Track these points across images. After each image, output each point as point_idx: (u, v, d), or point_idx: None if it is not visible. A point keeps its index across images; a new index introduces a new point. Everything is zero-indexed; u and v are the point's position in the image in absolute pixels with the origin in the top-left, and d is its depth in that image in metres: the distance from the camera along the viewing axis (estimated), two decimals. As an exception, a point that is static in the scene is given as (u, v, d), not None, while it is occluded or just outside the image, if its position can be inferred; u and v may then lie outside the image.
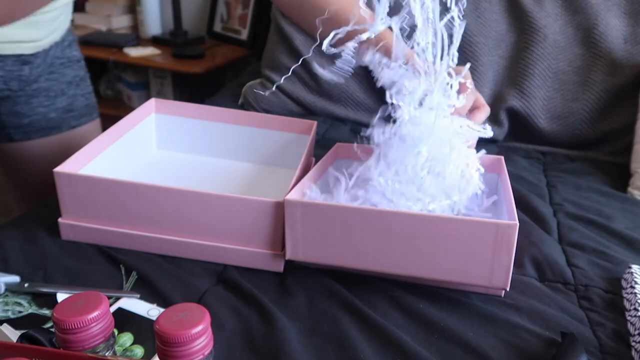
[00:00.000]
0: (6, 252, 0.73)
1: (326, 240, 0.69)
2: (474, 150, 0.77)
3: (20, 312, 0.63)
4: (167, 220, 0.73)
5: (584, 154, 1.23)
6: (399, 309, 0.68)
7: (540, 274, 0.77)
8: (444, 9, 0.70)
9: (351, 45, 0.70)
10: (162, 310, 0.65)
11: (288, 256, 0.71)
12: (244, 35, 2.04)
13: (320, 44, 0.71)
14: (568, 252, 0.82)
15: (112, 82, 2.22)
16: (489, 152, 0.84)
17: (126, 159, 0.89)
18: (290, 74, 0.85)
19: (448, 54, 0.72)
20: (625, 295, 0.71)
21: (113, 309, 0.64)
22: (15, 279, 0.67)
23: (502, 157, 0.86)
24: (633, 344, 0.63)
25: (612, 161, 1.20)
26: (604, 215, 0.93)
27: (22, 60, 0.90)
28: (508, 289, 0.68)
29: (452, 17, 0.70)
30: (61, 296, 0.66)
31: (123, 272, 0.71)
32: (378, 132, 0.75)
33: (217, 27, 2.12)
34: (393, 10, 0.72)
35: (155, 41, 2.08)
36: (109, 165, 0.85)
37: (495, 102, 1.25)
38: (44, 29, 0.91)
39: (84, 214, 0.75)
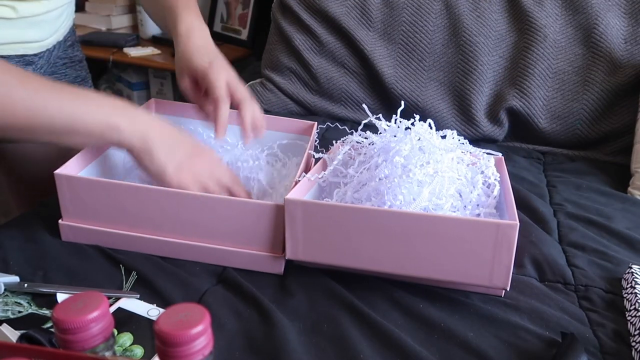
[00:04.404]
0: (6, 252, 0.73)
1: (326, 240, 0.69)
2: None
3: (20, 312, 0.63)
4: (168, 222, 0.73)
5: (584, 154, 1.23)
6: (399, 309, 0.68)
7: (541, 274, 0.77)
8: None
9: None
10: (162, 310, 0.65)
11: (288, 256, 0.71)
12: (244, 35, 2.04)
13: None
14: (568, 252, 0.82)
15: (112, 82, 2.23)
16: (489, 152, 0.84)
17: (126, 160, 0.89)
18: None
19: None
20: (625, 295, 0.71)
21: (113, 309, 0.64)
22: (14, 279, 0.67)
23: (502, 157, 0.86)
24: (633, 344, 0.63)
25: (612, 161, 1.20)
26: (604, 215, 0.93)
27: (25, 60, 0.90)
28: (508, 289, 0.68)
29: None
30: (61, 296, 0.65)
31: (123, 272, 0.71)
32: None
33: (217, 27, 2.12)
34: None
35: (155, 41, 2.08)
36: (109, 167, 0.85)
37: (495, 102, 1.25)
38: (48, 29, 0.91)
39: (84, 215, 0.75)
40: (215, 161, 0.78)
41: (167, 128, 0.75)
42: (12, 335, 0.58)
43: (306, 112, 1.34)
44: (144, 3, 0.99)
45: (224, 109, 0.81)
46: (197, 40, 0.85)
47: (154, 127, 0.73)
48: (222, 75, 0.82)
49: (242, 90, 0.85)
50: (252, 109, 0.84)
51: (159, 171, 0.73)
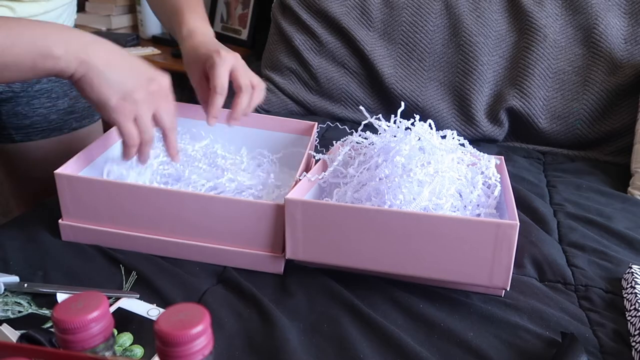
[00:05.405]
0: (6, 252, 0.73)
1: (326, 240, 0.69)
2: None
3: (20, 312, 0.63)
4: (168, 222, 0.73)
5: (584, 154, 1.23)
6: (399, 309, 0.68)
7: (541, 274, 0.77)
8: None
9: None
10: (162, 310, 0.65)
11: (288, 256, 0.71)
12: (244, 35, 2.04)
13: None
14: (568, 252, 0.82)
15: (112, 82, 2.22)
16: (489, 152, 0.84)
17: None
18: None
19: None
20: (625, 295, 0.71)
21: (113, 309, 0.64)
22: (14, 279, 0.67)
23: (502, 157, 0.86)
24: (633, 344, 0.63)
25: (612, 161, 1.20)
26: (604, 215, 0.93)
27: None
28: (508, 289, 0.68)
29: None
30: (61, 296, 0.65)
31: (123, 272, 0.71)
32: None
33: (217, 27, 2.12)
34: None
35: (155, 41, 2.08)
36: (109, 167, 0.85)
37: (495, 102, 1.25)
38: None
39: (84, 215, 0.75)
40: (165, 93, 0.73)
41: (114, 55, 0.69)
42: (12, 335, 0.58)
43: (306, 112, 1.34)
44: (151, 4, 1.00)
45: (218, 100, 0.79)
46: (200, 37, 0.85)
47: (97, 53, 0.66)
48: (228, 62, 0.80)
49: (245, 78, 0.82)
50: (246, 99, 0.81)
51: (100, 102, 0.68)
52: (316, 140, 0.95)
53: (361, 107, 0.89)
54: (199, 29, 0.87)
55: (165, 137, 0.75)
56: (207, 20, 0.91)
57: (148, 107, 0.71)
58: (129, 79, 0.69)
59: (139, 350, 0.58)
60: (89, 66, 0.66)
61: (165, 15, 0.94)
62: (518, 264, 0.77)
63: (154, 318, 0.63)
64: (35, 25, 0.66)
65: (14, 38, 0.63)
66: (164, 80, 0.73)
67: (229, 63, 0.80)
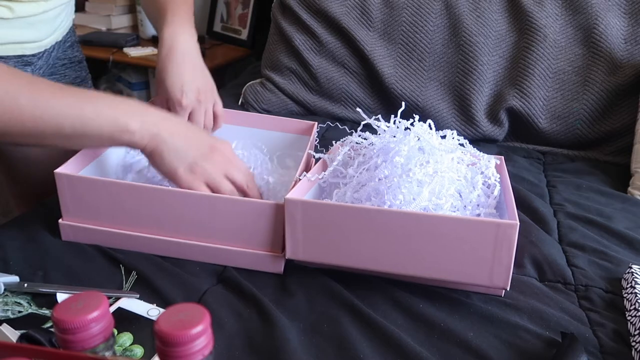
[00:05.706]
0: (6, 252, 0.73)
1: (326, 239, 0.69)
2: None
3: (20, 312, 0.63)
4: (168, 221, 0.73)
5: (584, 154, 1.23)
6: (399, 309, 0.68)
7: (541, 274, 0.77)
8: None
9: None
10: (162, 310, 0.65)
11: (288, 255, 0.71)
12: (244, 35, 2.04)
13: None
14: (568, 252, 0.82)
15: (112, 82, 2.23)
16: (489, 152, 0.84)
17: (127, 159, 0.89)
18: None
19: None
20: (625, 295, 0.71)
21: (113, 309, 0.64)
22: (14, 279, 0.67)
23: (502, 157, 0.86)
24: (633, 344, 0.63)
25: (612, 161, 1.20)
26: (604, 215, 0.93)
27: (24, 61, 0.90)
28: (508, 289, 0.68)
29: None
30: (61, 296, 0.65)
31: (123, 272, 0.71)
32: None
33: (217, 27, 2.12)
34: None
35: (155, 41, 2.08)
36: (109, 166, 0.85)
37: (495, 102, 1.25)
38: (45, 29, 0.91)
39: (84, 215, 0.75)
40: (229, 159, 0.76)
41: (180, 126, 0.74)
42: (12, 335, 0.58)
43: (306, 112, 1.34)
44: (142, 4, 0.99)
45: None
46: (178, 55, 0.85)
47: (165, 126, 0.72)
48: (185, 112, 0.85)
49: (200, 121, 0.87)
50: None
51: (170, 172, 0.73)
52: (316, 140, 0.95)
53: (359, 109, 0.89)
54: (180, 37, 0.86)
55: (245, 195, 0.76)
56: (191, 21, 0.90)
57: (217, 173, 0.74)
58: (193, 148, 0.73)
59: (139, 350, 0.58)
60: (160, 139, 0.71)
61: (152, 12, 0.94)
62: (518, 264, 0.77)
63: (154, 318, 0.63)
64: (116, 101, 0.71)
65: (98, 111, 0.69)
66: (226, 149, 0.77)
67: (186, 112, 0.86)
